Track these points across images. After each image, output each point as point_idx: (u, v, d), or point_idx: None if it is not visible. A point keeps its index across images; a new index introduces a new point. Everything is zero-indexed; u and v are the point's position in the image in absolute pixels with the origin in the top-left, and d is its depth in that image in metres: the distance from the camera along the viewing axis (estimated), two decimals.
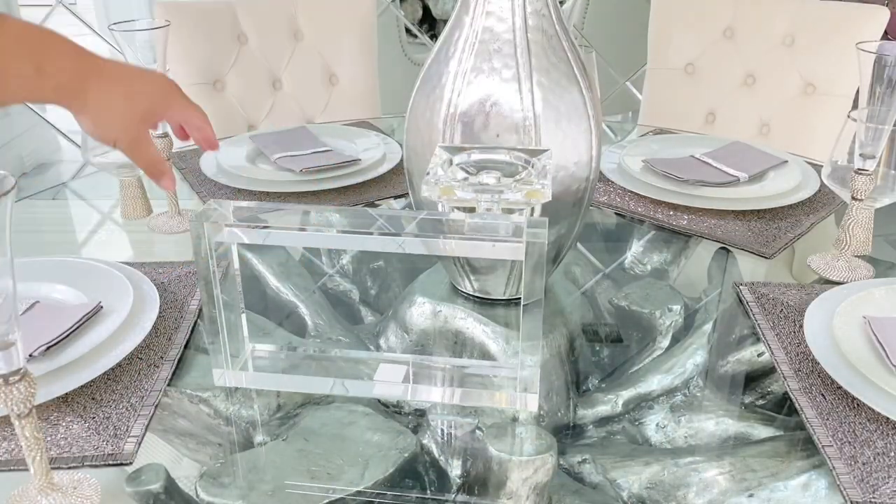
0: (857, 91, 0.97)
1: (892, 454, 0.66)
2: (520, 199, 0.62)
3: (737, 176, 1.18)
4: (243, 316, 0.74)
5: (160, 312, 0.83)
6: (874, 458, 0.65)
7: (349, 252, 1.05)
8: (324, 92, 1.77)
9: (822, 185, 1.15)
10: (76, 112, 0.61)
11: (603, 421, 0.75)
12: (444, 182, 0.63)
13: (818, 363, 0.75)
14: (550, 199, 0.63)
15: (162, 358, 0.78)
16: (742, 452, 0.68)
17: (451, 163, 0.65)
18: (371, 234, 0.64)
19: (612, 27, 2.94)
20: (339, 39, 1.75)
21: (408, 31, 3.05)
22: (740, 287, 0.92)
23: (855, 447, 0.66)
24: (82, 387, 0.73)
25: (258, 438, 0.71)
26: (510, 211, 0.65)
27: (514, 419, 0.73)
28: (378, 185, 1.21)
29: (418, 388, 0.73)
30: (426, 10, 3.38)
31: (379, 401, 0.75)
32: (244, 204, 0.68)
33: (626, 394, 0.77)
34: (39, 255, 0.95)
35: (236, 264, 0.70)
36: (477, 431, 0.72)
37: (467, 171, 0.65)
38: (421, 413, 0.74)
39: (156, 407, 0.72)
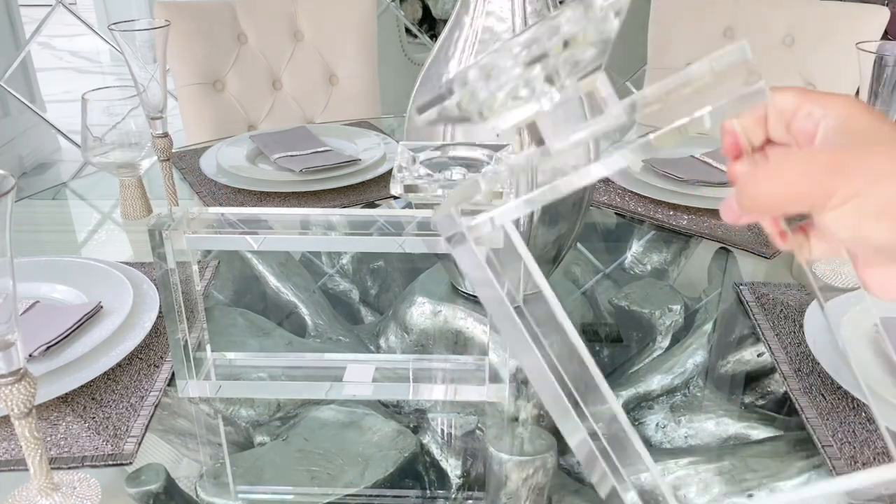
0: (857, 91, 0.97)
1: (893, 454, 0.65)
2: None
3: None
4: (204, 324, 0.74)
5: (160, 312, 0.83)
6: (874, 458, 0.65)
7: (349, 252, 1.05)
8: (324, 92, 1.77)
9: None
10: None
11: None
12: (409, 180, 0.63)
13: (818, 363, 0.75)
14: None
15: (162, 358, 0.78)
16: (742, 452, 0.68)
17: (414, 160, 0.66)
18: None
19: None
20: (339, 39, 1.75)
21: (408, 31, 3.05)
22: (740, 287, 0.92)
23: (855, 447, 0.66)
24: (82, 387, 0.73)
25: (258, 438, 0.71)
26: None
27: (515, 419, 0.73)
28: (378, 185, 1.21)
29: (387, 387, 0.74)
30: (426, 10, 3.37)
31: (380, 401, 0.75)
32: (196, 210, 0.69)
33: (626, 394, 0.77)
34: (39, 255, 0.95)
35: (196, 277, 0.71)
36: (477, 431, 0.72)
37: (431, 169, 0.65)
38: (421, 413, 0.74)
39: (156, 407, 0.72)
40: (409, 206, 1.17)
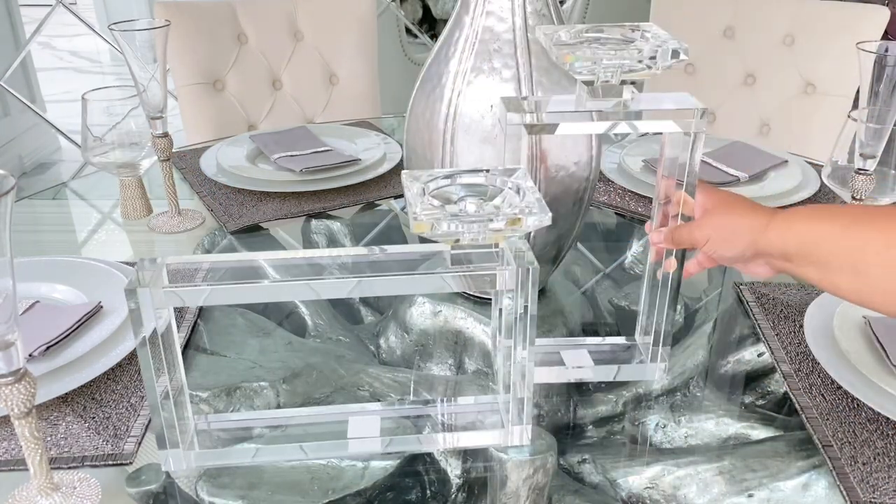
0: (858, 91, 0.97)
1: (892, 454, 0.65)
2: (502, 227, 0.57)
3: (737, 176, 1.18)
4: (185, 388, 0.65)
5: None
6: (874, 458, 0.65)
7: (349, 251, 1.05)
8: (324, 92, 1.77)
9: (822, 185, 1.15)
10: None
11: (603, 421, 0.75)
12: (424, 218, 0.57)
13: (818, 363, 0.75)
14: (548, 220, 0.57)
15: None
16: (742, 452, 0.68)
17: (423, 192, 0.60)
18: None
19: None
20: (339, 39, 1.75)
21: (408, 31, 3.05)
22: (740, 287, 0.92)
23: (855, 447, 0.66)
24: (82, 387, 0.73)
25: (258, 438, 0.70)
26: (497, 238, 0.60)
27: None
28: (378, 185, 1.21)
29: (397, 440, 0.67)
30: (426, 10, 3.37)
31: (379, 399, 0.75)
32: (173, 260, 0.60)
33: (627, 394, 0.77)
34: (39, 255, 0.95)
35: (176, 334, 0.62)
36: None
37: (442, 200, 0.60)
38: (422, 412, 0.74)
39: None
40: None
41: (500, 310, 0.64)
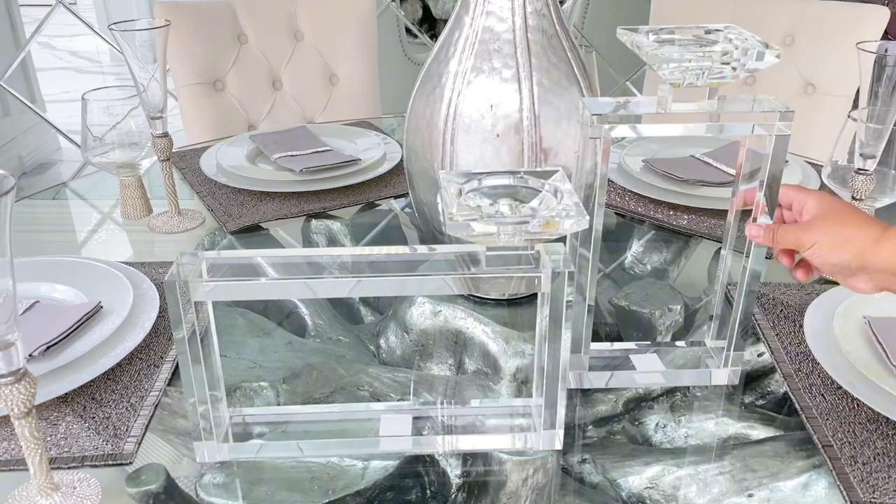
0: (857, 91, 0.97)
1: (892, 454, 0.65)
2: (539, 229, 0.57)
3: None
4: (221, 380, 0.66)
5: (160, 312, 0.83)
6: (874, 458, 0.65)
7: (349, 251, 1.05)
8: (324, 92, 1.77)
9: (822, 185, 1.15)
10: None
11: (603, 421, 0.75)
12: (461, 217, 0.57)
13: (818, 363, 0.75)
14: (585, 224, 0.58)
15: (162, 358, 0.78)
16: (742, 452, 0.68)
17: (461, 192, 0.60)
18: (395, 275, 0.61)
19: (612, 27, 2.93)
20: (339, 39, 1.75)
21: (408, 31, 3.05)
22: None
23: (855, 447, 0.66)
24: (82, 387, 0.73)
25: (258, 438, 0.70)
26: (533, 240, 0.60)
27: None
28: (378, 185, 1.21)
29: (430, 440, 0.67)
30: (426, 10, 3.37)
31: (378, 399, 0.75)
32: (211, 254, 0.61)
33: (627, 394, 0.77)
34: (39, 255, 0.95)
35: (213, 328, 0.63)
36: None
37: (480, 200, 0.60)
38: (422, 412, 0.74)
39: (156, 407, 0.72)
40: (409, 205, 1.18)
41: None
